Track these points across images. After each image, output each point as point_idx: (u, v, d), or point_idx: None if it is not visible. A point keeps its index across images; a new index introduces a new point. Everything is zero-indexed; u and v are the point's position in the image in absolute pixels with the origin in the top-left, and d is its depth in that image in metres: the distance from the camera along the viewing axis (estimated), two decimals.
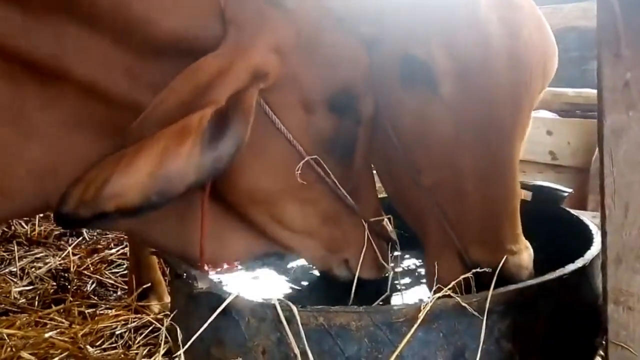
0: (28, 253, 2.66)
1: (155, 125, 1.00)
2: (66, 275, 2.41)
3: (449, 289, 1.02)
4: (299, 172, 1.14)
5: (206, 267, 1.28)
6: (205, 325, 1.03)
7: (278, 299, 1.02)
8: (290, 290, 1.39)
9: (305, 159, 1.16)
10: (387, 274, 1.32)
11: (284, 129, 1.15)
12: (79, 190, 0.99)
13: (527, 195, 1.52)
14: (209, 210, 1.16)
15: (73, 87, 1.10)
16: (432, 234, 1.23)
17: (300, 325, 1.00)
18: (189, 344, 1.03)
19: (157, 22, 1.07)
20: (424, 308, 0.98)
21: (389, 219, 1.34)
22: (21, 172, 1.12)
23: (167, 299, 2.09)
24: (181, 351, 1.03)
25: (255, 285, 1.42)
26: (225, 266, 1.36)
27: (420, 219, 1.27)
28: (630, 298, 0.92)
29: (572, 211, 1.45)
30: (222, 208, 1.21)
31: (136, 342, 1.82)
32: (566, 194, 1.50)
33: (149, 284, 2.13)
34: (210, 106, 1.00)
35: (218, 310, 1.04)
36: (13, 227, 2.91)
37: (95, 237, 2.88)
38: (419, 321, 0.98)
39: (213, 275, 1.34)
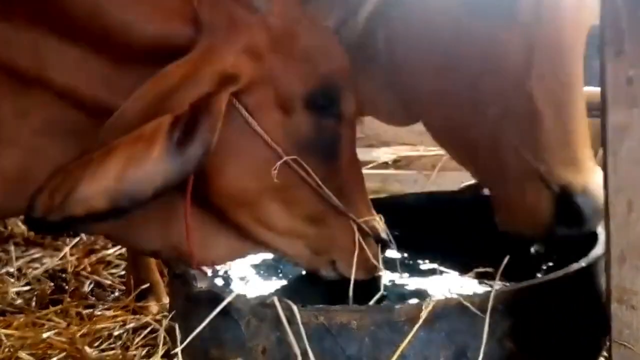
0: (25, 253, 2.64)
1: (120, 131, 1.02)
2: (63, 275, 2.40)
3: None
4: (276, 172, 1.13)
5: (205, 268, 1.28)
6: (204, 324, 1.03)
7: (278, 298, 1.01)
8: (287, 288, 1.38)
9: (283, 160, 1.14)
10: (378, 274, 1.30)
11: (261, 130, 1.14)
12: (44, 197, 1.01)
13: None
14: (193, 214, 1.16)
15: (52, 95, 1.12)
16: (509, 167, 1.28)
17: (300, 325, 0.99)
18: (186, 341, 1.02)
19: (134, 30, 1.08)
20: (425, 307, 0.97)
21: (379, 218, 1.32)
22: None
23: (166, 299, 2.08)
24: (179, 349, 1.02)
25: (253, 284, 1.41)
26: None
27: (491, 156, 1.31)
28: (634, 297, 0.91)
29: None
30: (206, 211, 1.20)
31: (134, 343, 1.80)
32: None
33: (147, 285, 2.12)
34: (170, 113, 1.02)
35: (217, 310, 1.03)
36: (10, 228, 2.89)
37: (92, 237, 2.86)
38: (420, 321, 0.97)
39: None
